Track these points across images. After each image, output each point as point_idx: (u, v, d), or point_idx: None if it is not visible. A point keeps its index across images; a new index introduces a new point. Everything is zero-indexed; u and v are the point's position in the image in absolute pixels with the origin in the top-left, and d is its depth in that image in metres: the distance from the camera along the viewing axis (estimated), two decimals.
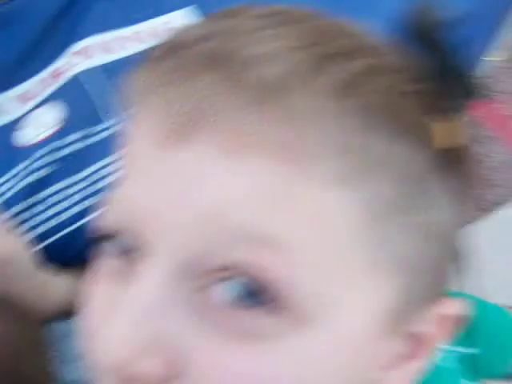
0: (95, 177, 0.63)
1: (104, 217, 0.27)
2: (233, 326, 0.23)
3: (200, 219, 0.23)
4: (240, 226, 0.23)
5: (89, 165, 0.64)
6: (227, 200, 0.23)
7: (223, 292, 0.23)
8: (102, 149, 0.64)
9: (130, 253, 0.26)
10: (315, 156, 0.23)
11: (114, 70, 0.67)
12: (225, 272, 0.23)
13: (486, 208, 0.87)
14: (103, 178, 0.63)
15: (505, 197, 0.86)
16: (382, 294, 0.25)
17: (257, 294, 0.23)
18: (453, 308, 0.29)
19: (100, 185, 0.62)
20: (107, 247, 0.28)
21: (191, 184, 0.24)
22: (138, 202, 0.25)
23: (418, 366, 0.29)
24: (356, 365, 0.26)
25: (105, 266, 0.28)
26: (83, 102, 0.65)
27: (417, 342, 0.28)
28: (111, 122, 0.65)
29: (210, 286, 0.24)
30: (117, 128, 0.65)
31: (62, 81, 0.66)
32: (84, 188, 0.63)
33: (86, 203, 0.62)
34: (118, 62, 0.67)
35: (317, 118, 0.23)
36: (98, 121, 0.65)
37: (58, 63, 0.68)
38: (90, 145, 0.64)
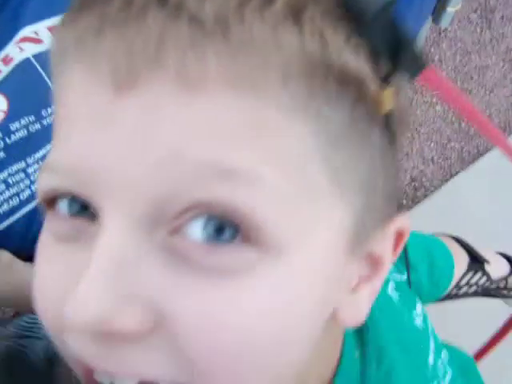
0: None
1: (43, 182, 0.26)
2: (209, 265, 0.23)
3: (161, 162, 0.22)
4: (203, 162, 0.22)
5: (44, 144, 0.67)
6: (187, 137, 0.22)
7: (194, 232, 0.23)
8: None
9: (79, 214, 0.25)
10: (274, 84, 0.23)
11: None
12: (193, 211, 0.23)
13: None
14: None
15: None
16: (345, 216, 0.26)
17: (227, 230, 0.23)
18: (401, 224, 0.30)
19: None
20: (50, 213, 0.27)
21: (146, 129, 0.22)
22: (85, 159, 0.23)
23: (378, 286, 0.30)
24: (328, 290, 0.27)
25: (50, 232, 0.27)
26: (37, 82, 0.67)
27: (374, 262, 0.30)
28: None
29: (180, 228, 0.23)
30: None
31: (13, 64, 0.68)
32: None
33: None
34: None
35: (273, 46, 0.22)
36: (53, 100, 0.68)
37: (7, 50, 0.70)
38: (47, 125, 0.67)
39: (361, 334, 0.39)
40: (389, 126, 0.26)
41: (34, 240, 0.64)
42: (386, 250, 0.30)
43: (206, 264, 0.23)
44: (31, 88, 0.68)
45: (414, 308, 0.47)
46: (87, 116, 0.24)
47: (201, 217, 0.23)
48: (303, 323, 0.26)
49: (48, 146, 0.67)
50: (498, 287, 0.85)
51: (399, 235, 0.30)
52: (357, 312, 0.30)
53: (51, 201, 0.26)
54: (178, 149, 0.22)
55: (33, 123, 0.67)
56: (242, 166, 0.22)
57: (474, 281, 0.82)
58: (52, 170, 0.25)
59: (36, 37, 0.69)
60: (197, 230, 0.23)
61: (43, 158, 0.66)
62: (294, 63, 0.23)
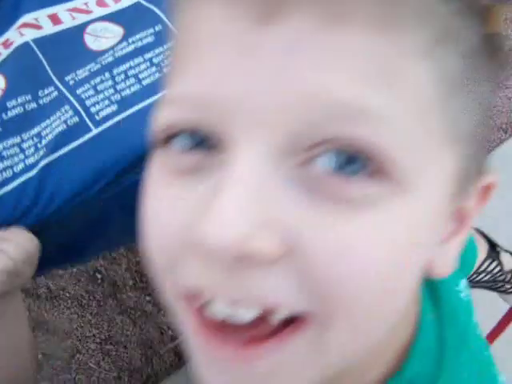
0: (47, 131, 0.67)
1: (164, 117, 0.26)
2: (339, 195, 0.23)
3: (300, 98, 0.23)
4: (339, 101, 0.22)
5: (40, 122, 0.68)
6: (328, 76, 0.23)
7: (325, 162, 0.23)
8: (52, 108, 0.69)
9: (198, 148, 0.25)
10: (408, 27, 0.23)
11: (63, 39, 0.73)
12: (324, 145, 0.23)
13: None
14: (52, 132, 0.67)
15: None
16: (453, 165, 0.26)
17: (356, 162, 0.23)
18: (491, 179, 0.31)
19: (50, 137, 0.67)
20: (163, 150, 0.27)
21: (288, 62, 0.23)
22: (220, 86, 0.24)
23: (464, 239, 0.31)
24: (433, 235, 0.28)
25: (164, 169, 0.27)
26: (35, 64, 0.70)
27: (462, 216, 0.30)
28: (61, 84, 0.70)
29: (312, 160, 0.24)
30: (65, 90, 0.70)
31: (12, 47, 0.71)
32: (36, 144, 0.67)
33: (37, 156, 0.66)
34: (67, 30, 0.73)
35: None
36: (50, 82, 0.70)
37: (8, 34, 0.73)
38: (42, 104, 0.69)
39: (434, 297, 0.38)
40: (495, 55, 0.27)
41: (23, 213, 0.66)
42: (473, 204, 0.30)
43: (338, 194, 0.23)
44: (29, 69, 0.71)
45: (460, 282, 0.47)
46: (226, 42, 0.24)
47: (330, 151, 0.23)
48: (415, 260, 0.27)
49: (43, 124, 0.68)
50: (504, 279, 0.85)
51: (486, 189, 0.31)
52: (446, 263, 0.30)
53: (168, 138, 0.26)
54: (317, 85, 0.23)
55: (29, 102, 0.69)
56: (374, 105, 0.23)
57: (490, 268, 0.81)
58: (177, 103, 0.25)
59: (36, 23, 0.73)
60: (327, 160, 0.23)
61: (38, 134, 0.68)
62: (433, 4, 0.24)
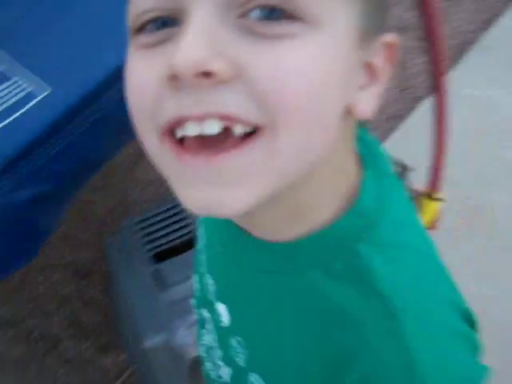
0: None
1: (135, 7, 0.35)
2: (268, 34, 0.32)
3: None
4: None
5: None
6: None
7: (255, 14, 0.32)
8: None
9: (165, 27, 0.34)
10: None
11: None
12: (252, 2, 0.32)
13: None
14: None
15: None
16: (356, 16, 0.35)
17: (276, 11, 0.32)
18: (390, 38, 0.39)
19: None
20: (137, 36, 0.36)
21: None
22: None
23: (380, 91, 0.39)
24: (346, 72, 0.36)
25: (139, 47, 0.36)
26: None
27: (373, 71, 0.39)
28: None
29: (247, 13, 0.32)
30: None
31: None
32: None
33: None
34: None
35: None
36: None
37: None
38: None
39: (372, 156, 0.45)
40: None
41: None
42: (381, 61, 0.39)
43: (267, 33, 0.32)
44: None
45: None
46: None
47: (257, 7, 0.32)
48: (334, 84, 0.35)
49: None
50: None
51: (390, 47, 0.39)
52: (366, 107, 0.38)
53: (140, 27, 0.35)
54: None
55: None
56: None
57: None
58: None
59: None
60: (258, 12, 0.32)
61: None
62: None
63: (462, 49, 2.02)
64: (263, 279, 0.44)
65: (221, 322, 0.50)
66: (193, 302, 0.59)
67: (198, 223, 0.57)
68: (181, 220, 1.22)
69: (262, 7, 0.32)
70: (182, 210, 1.19)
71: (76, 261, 1.58)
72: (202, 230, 0.55)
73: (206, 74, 0.31)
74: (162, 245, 1.20)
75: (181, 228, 1.21)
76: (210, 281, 0.52)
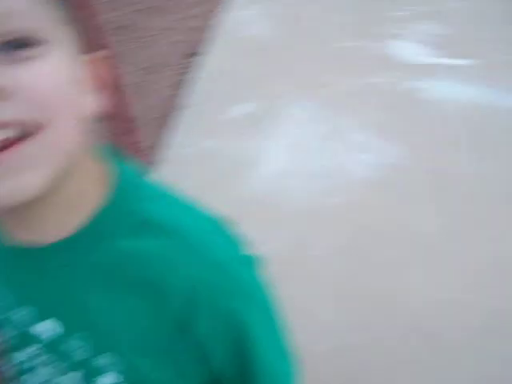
0: None
1: None
2: (19, 59, 0.45)
3: None
4: None
5: None
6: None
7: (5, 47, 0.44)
8: None
9: None
10: None
11: None
12: (1, 38, 0.44)
13: None
14: None
15: None
16: (64, 43, 0.49)
17: (20, 42, 0.45)
18: (99, 55, 0.55)
19: None
20: None
21: None
22: None
23: (98, 99, 0.54)
24: (75, 83, 0.50)
25: None
26: None
27: (96, 80, 0.54)
28: None
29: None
30: None
31: None
32: None
33: None
34: None
35: None
36: None
37: None
38: None
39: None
40: None
41: None
42: (100, 71, 0.55)
43: (19, 59, 0.45)
44: None
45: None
46: None
47: (1, 43, 0.44)
48: (72, 87, 0.49)
49: None
50: None
51: (100, 60, 0.55)
52: (94, 107, 0.54)
53: None
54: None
55: None
56: (20, 9, 0.46)
57: None
58: None
59: None
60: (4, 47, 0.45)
61: None
62: None
63: None
64: (68, 274, 0.55)
65: (54, 336, 0.58)
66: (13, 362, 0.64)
67: None
68: None
69: (4, 42, 0.44)
70: None
71: None
72: None
73: None
74: None
75: None
76: (23, 312, 0.59)
